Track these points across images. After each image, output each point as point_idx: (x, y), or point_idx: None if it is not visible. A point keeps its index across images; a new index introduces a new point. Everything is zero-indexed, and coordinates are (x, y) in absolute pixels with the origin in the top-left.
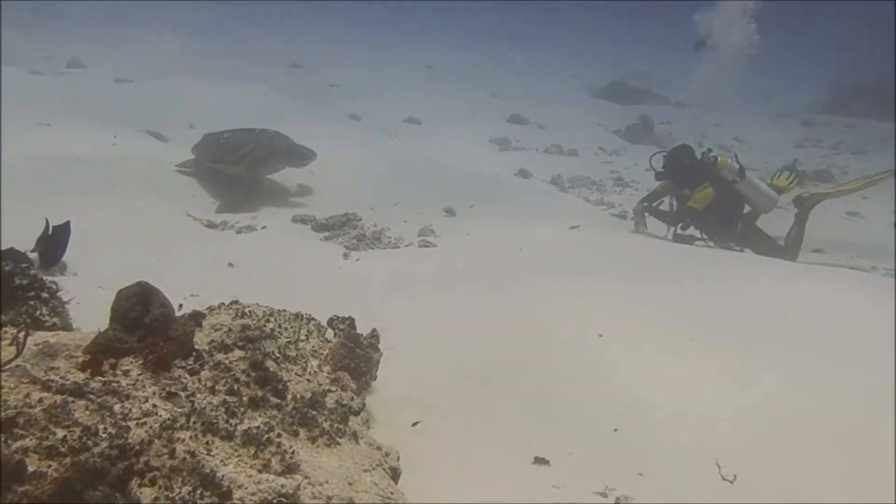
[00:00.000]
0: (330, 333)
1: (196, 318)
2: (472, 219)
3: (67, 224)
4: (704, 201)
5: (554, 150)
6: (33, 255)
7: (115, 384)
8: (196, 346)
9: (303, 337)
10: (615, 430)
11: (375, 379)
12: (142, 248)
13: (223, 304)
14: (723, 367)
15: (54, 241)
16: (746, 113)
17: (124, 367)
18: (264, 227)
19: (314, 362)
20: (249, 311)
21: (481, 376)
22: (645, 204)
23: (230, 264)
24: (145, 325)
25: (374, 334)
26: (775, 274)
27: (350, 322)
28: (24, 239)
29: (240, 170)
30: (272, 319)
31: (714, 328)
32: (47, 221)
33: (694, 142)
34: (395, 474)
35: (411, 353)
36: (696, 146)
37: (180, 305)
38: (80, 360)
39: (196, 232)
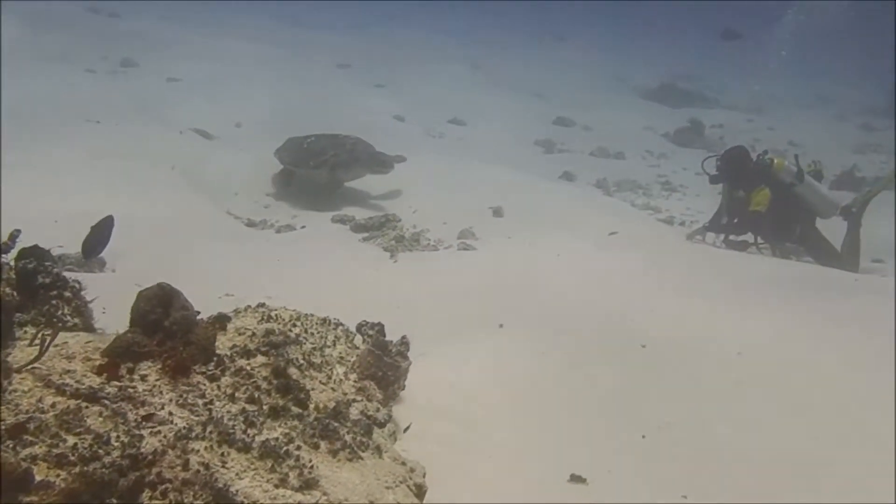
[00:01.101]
0: (359, 339)
1: (221, 320)
2: (515, 221)
3: (110, 218)
4: (766, 202)
5: (599, 153)
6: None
7: (130, 389)
8: (218, 351)
9: (329, 342)
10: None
11: (404, 388)
12: (182, 247)
13: (250, 306)
14: None
15: (96, 235)
16: (801, 116)
17: (142, 372)
18: (303, 227)
19: (340, 370)
20: (276, 315)
21: (518, 385)
22: (705, 225)
23: (276, 260)
24: (165, 329)
25: (404, 341)
26: None
27: (379, 328)
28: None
29: (321, 174)
30: (298, 324)
31: None
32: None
33: (747, 145)
34: (419, 492)
35: (445, 360)
36: (749, 150)
37: (207, 315)
38: (98, 363)
39: (236, 230)
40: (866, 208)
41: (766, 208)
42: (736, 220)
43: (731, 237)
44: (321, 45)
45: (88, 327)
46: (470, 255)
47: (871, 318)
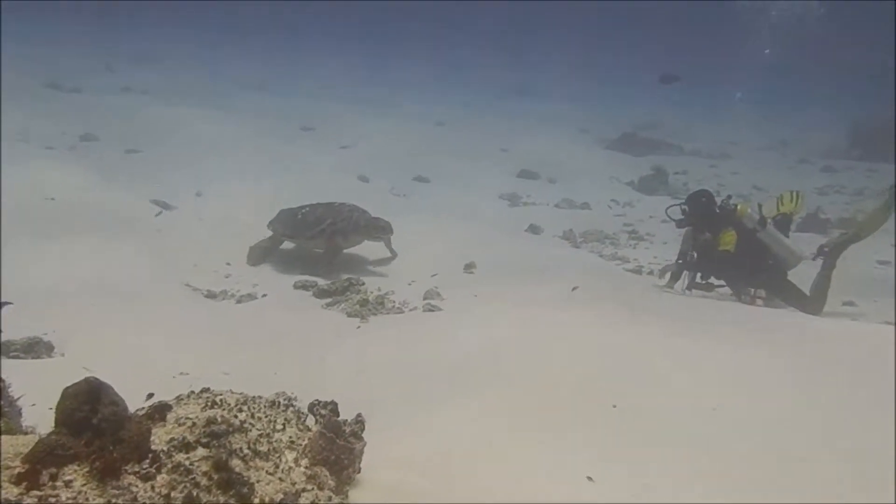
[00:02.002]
0: (311, 420)
1: (160, 410)
2: (482, 278)
3: None
4: (733, 243)
5: (565, 205)
6: None
7: (52, 499)
8: (154, 447)
9: (279, 426)
10: None
11: (360, 471)
12: (136, 323)
13: (193, 392)
14: None
15: None
16: (764, 160)
17: (66, 477)
18: (265, 296)
19: (290, 456)
20: (221, 400)
21: (484, 455)
22: (679, 262)
23: (234, 333)
24: (93, 427)
25: (359, 420)
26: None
27: (332, 407)
28: None
29: (318, 244)
30: (245, 408)
31: None
32: None
33: (712, 191)
34: None
35: (406, 435)
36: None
37: (150, 398)
38: (17, 470)
39: (194, 303)
40: (842, 252)
41: (734, 249)
42: (709, 267)
43: (697, 280)
44: (285, 109)
45: (12, 429)
46: (435, 317)
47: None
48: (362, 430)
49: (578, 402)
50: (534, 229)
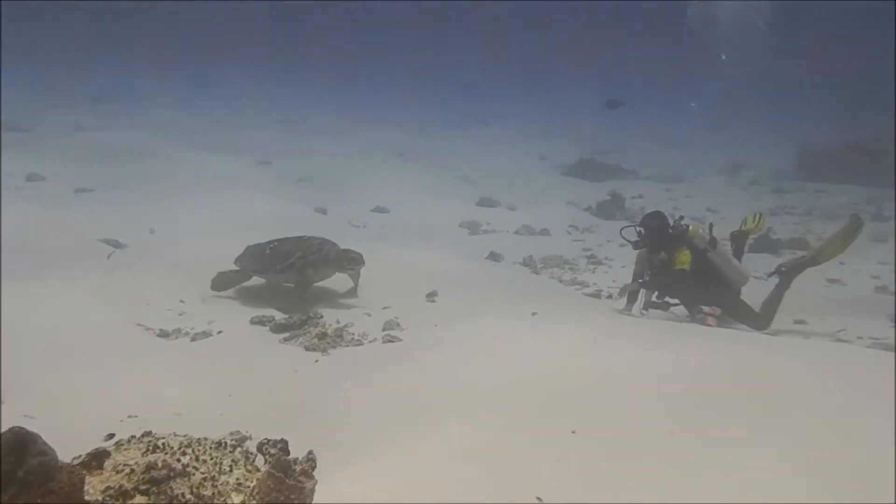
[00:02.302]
0: (260, 460)
1: (98, 458)
2: (443, 306)
3: None
4: (688, 262)
5: (525, 231)
6: None
7: None
8: (88, 497)
9: (226, 469)
10: None
11: None
12: (84, 366)
13: (134, 436)
14: None
15: None
16: (717, 183)
17: None
18: (220, 332)
19: (237, 499)
20: (163, 444)
21: (444, 491)
22: (639, 281)
23: (187, 373)
24: (19, 481)
25: (310, 457)
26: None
27: (283, 446)
28: None
29: (289, 278)
30: (189, 451)
31: None
32: None
33: (667, 213)
34: None
35: (361, 471)
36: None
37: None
38: None
39: (146, 343)
40: (799, 274)
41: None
42: (666, 286)
43: (654, 299)
44: (242, 141)
45: None
46: (394, 348)
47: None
48: (314, 467)
49: (539, 429)
50: (494, 257)
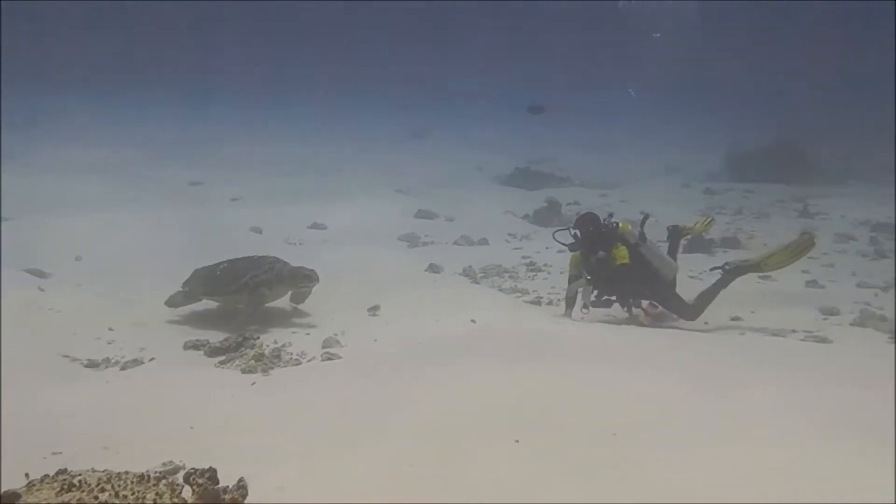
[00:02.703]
0: (188, 491)
1: (10, 500)
2: (384, 320)
3: None
4: (627, 256)
5: (464, 242)
6: None
7: None
8: None
9: (149, 502)
10: None
11: None
12: (4, 404)
13: (48, 475)
14: None
15: None
16: (651, 186)
17: None
18: (152, 360)
19: None
20: (80, 482)
21: None
22: (583, 279)
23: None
24: None
25: (241, 485)
26: None
27: (211, 475)
28: None
29: (242, 298)
30: (109, 487)
31: None
32: None
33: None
34: None
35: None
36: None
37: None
38: None
39: (72, 374)
40: (740, 276)
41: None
42: (607, 282)
43: (594, 298)
44: (174, 164)
45: None
46: (333, 366)
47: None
48: (244, 496)
49: (480, 440)
50: (434, 268)
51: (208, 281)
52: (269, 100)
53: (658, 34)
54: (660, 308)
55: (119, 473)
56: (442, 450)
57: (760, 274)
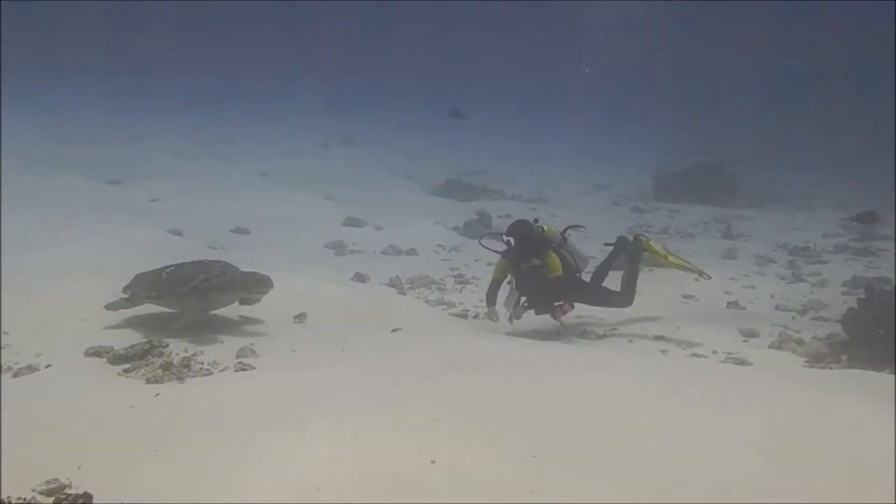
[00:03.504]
0: None
1: None
2: (306, 329)
3: None
4: (559, 266)
5: (392, 251)
6: None
7: None
8: None
9: None
10: None
11: None
12: None
13: None
14: None
15: None
16: (580, 203)
17: None
18: (49, 366)
19: None
20: None
21: None
22: (510, 296)
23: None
24: None
25: None
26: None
27: (86, 500)
28: None
29: (191, 302)
30: None
31: None
32: None
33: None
34: None
35: None
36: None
37: None
38: None
39: None
40: (645, 250)
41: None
42: (540, 291)
43: (523, 304)
44: (92, 161)
45: None
46: (246, 377)
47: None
48: None
49: (396, 463)
50: (360, 277)
51: (153, 284)
52: (200, 99)
53: (587, 70)
54: (574, 306)
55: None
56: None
57: (650, 265)
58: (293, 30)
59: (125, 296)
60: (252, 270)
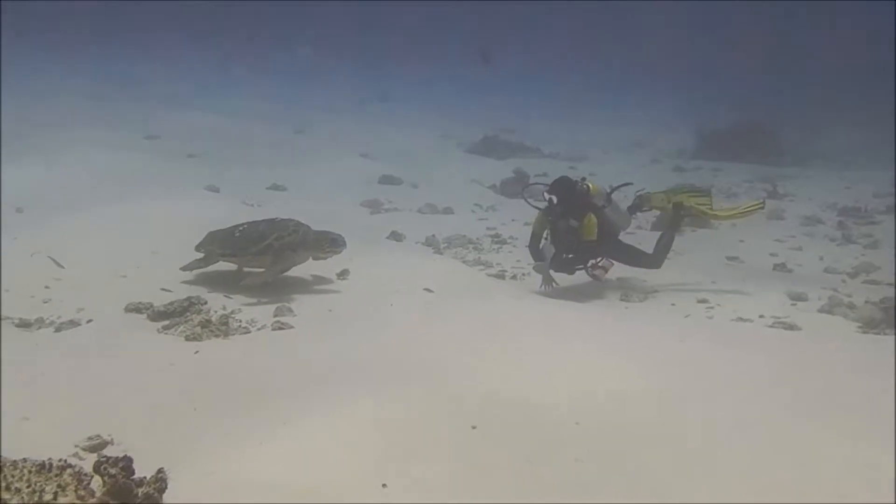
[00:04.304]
0: (98, 482)
1: None
2: (342, 287)
3: None
4: (595, 230)
5: (428, 210)
6: None
7: None
8: None
9: (48, 497)
10: None
11: None
12: None
13: None
14: None
15: None
16: (619, 161)
17: None
18: (90, 322)
19: None
20: None
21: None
22: (546, 250)
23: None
24: None
25: (159, 477)
26: None
27: (125, 464)
28: None
29: (265, 261)
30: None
31: None
32: None
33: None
34: None
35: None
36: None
37: None
38: None
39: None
40: (690, 216)
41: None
42: (572, 253)
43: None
44: (129, 116)
45: None
46: (284, 336)
47: None
48: (163, 489)
49: (435, 425)
50: (396, 236)
51: (227, 242)
52: (228, 57)
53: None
54: (613, 263)
55: (14, 462)
56: (392, 439)
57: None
58: None
59: (199, 255)
60: (326, 230)
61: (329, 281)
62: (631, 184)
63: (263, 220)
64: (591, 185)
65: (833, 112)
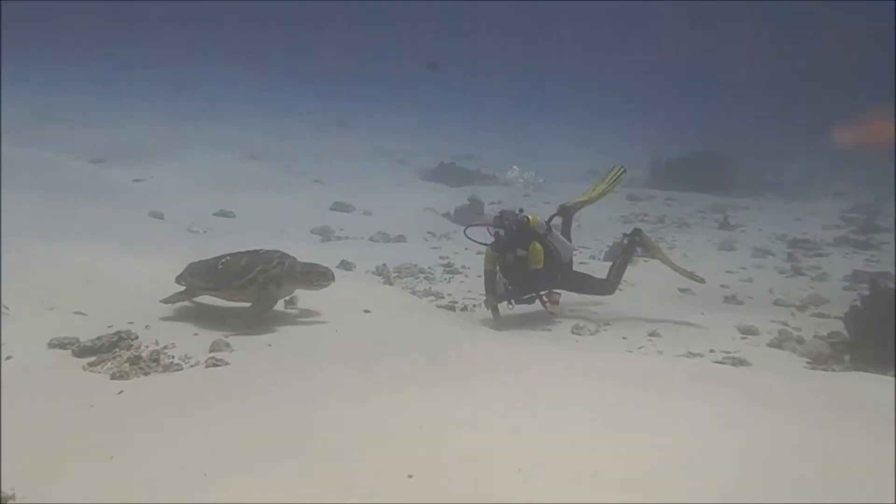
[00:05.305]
0: None
1: None
2: (287, 319)
3: None
4: (541, 256)
5: (380, 238)
6: None
7: None
8: None
9: None
10: None
11: None
12: None
13: None
14: None
15: None
16: (574, 189)
17: None
18: (9, 358)
19: None
20: None
21: None
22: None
23: None
24: None
25: None
26: None
27: None
28: None
29: (249, 294)
30: None
31: None
32: None
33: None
34: None
35: None
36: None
37: None
38: None
39: None
40: (641, 244)
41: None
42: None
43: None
44: (74, 140)
45: None
46: (217, 374)
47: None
48: None
49: (371, 475)
50: (345, 265)
51: (209, 275)
52: (182, 79)
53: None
54: (561, 294)
55: None
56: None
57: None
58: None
59: (181, 287)
60: (314, 262)
61: (274, 310)
62: (560, 216)
63: (247, 252)
64: (530, 217)
65: (783, 142)
